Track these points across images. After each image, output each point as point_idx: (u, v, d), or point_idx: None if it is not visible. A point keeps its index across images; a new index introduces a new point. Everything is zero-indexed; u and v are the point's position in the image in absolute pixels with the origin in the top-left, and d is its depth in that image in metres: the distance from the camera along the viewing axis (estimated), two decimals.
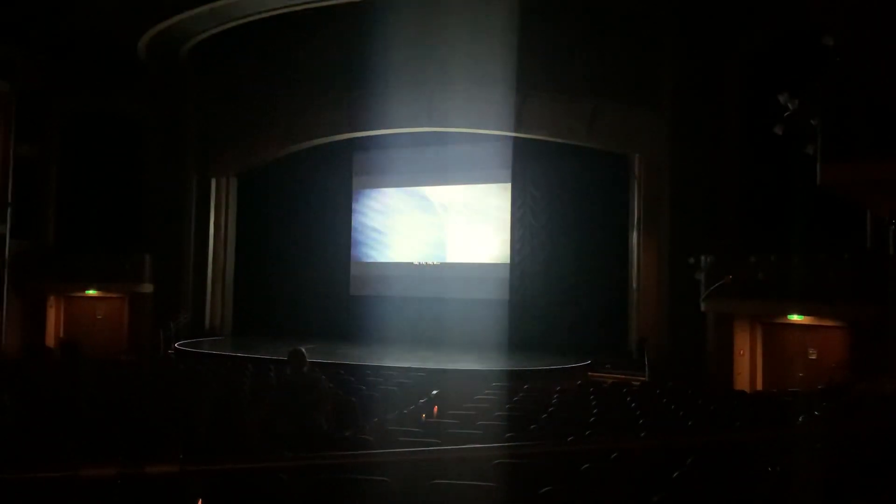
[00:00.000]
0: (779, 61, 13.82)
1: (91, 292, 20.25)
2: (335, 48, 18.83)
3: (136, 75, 19.70)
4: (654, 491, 4.08)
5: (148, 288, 19.71)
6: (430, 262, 20.12)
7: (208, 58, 20.01)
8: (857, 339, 12.35)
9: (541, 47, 16.95)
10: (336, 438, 6.00)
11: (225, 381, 10.10)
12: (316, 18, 18.32)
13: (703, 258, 13.95)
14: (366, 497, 4.07)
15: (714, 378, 13.39)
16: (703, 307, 13.87)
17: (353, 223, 21.10)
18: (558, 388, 10.70)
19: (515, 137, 18.10)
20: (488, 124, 17.92)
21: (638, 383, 12.19)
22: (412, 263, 20.29)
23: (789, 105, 9.25)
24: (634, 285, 17.07)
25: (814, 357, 13.08)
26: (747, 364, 13.80)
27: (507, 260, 19.16)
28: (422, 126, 18.62)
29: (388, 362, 14.46)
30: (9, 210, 18.24)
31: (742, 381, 13.57)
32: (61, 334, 20.08)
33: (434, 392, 9.81)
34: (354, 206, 21.13)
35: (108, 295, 20.30)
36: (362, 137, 19.76)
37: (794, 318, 13.29)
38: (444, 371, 13.61)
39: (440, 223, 20.18)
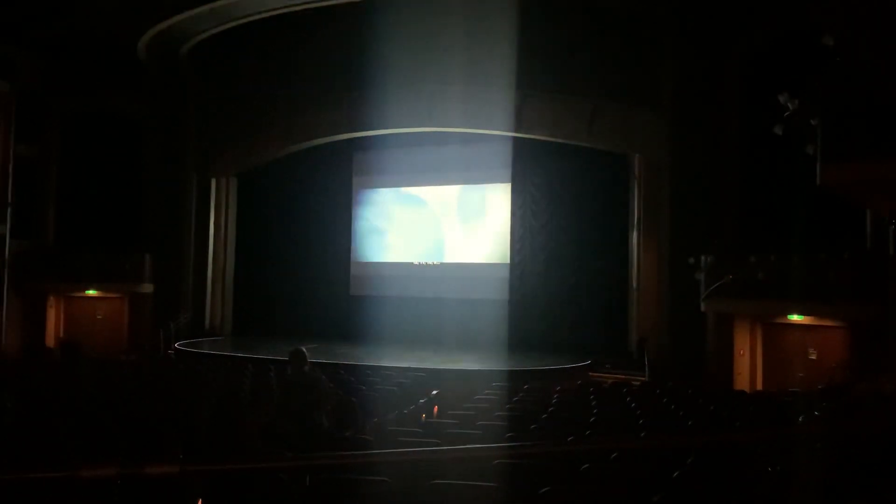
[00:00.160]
0: (779, 61, 13.82)
1: (91, 292, 20.25)
2: (335, 48, 18.82)
3: (136, 75, 19.70)
4: (654, 491, 4.08)
5: (148, 288, 19.71)
6: (429, 262, 20.13)
7: (208, 58, 20.01)
8: (857, 339, 12.36)
9: (541, 47, 16.94)
10: (336, 438, 6.00)
11: (225, 381, 10.10)
12: (316, 18, 18.31)
13: (703, 258, 13.95)
14: (366, 497, 4.08)
15: (714, 378, 13.39)
16: (703, 307, 13.88)
17: (353, 223, 21.10)
18: (558, 388, 10.70)
19: (515, 137, 18.09)
20: (488, 124, 17.92)
21: (638, 383, 12.19)
22: (412, 263, 20.29)
23: (789, 105, 9.25)
24: (634, 285, 17.07)
25: (814, 357, 13.08)
26: (747, 364, 13.80)
27: (507, 260, 19.16)
28: (422, 126, 18.62)
29: (388, 362, 14.45)
30: (9, 210, 18.25)
31: (742, 381, 13.57)
32: (61, 334, 20.08)
33: (434, 392, 9.82)
34: (354, 206, 21.13)
35: (108, 295, 20.30)
36: (362, 137, 19.75)
37: (794, 318, 13.29)
38: (444, 371, 13.61)
39: (440, 223, 20.18)
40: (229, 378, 10.41)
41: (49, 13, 17.66)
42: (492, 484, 4.05)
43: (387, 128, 18.96)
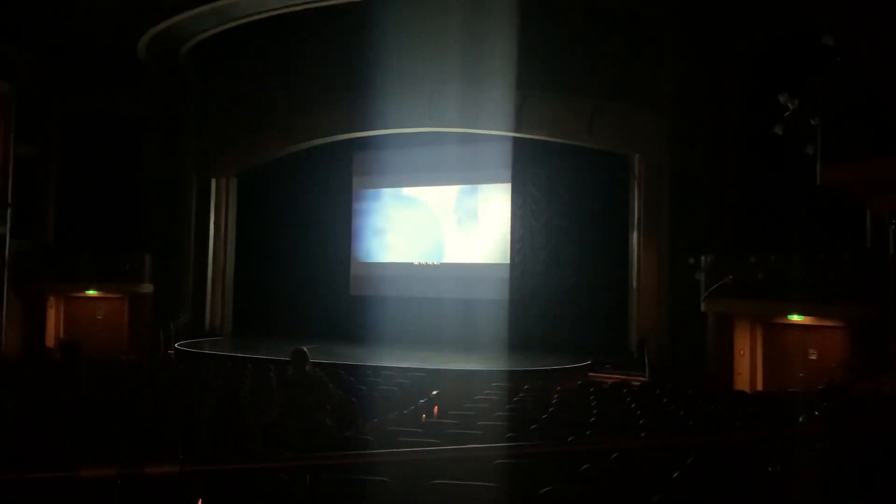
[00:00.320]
0: (779, 61, 13.82)
1: (91, 292, 20.25)
2: (335, 48, 18.82)
3: (136, 75, 19.71)
4: (654, 491, 4.08)
5: (148, 288, 19.72)
6: (430, 261, 20.13)
7: (208, 58, 20.01)
8: (857, 339, 12.35)
9: (541, 47, 16.95)
10: (336, 438, 6.01)
11: (225, 381, 10.10)
12: (316, 18, 18.32)
13: (703, 258, 13.95)
14: (366, 497, 4.08)
15: (714, 378, 13.38)
16: (703, 307, 13.87)
17: (353, 223, 21.09)
18: (558, 388, 10.71)
19: (515, 137, 18.09)
20: (488, 124, 17.91)
21: (638, 383, 12.18)
22: (412, 263, 20.29)
23: (789, 105, 9.25)
24: (634, 285, 17.07)
25: (814, 357, 13.07)
26: (747, 364, 13.80)
27: (507, 260, 19.16)
28: (422, 126, 18.61)
29: (388, 362, 14.45)
30: (9, 210, 18.25)
31: (742, 382, 13.57)
32: (61, 334, 20.08)
33: (434, 392, 9.82)
34: (354, 206, 21.13)
35: (108, 295, 20.30)
36: (362, 137, 19.74)
37: (795, 318, 13.29)
38: (444, 371, 13.61)
39: (440, 223, 20.18)
40: (229, 378, 10.42)
41: (49, 13, 17.66)
42: (492, 484, 4.05)
43: (387, 128, 18.96)
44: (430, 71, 17.87)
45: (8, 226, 18.34)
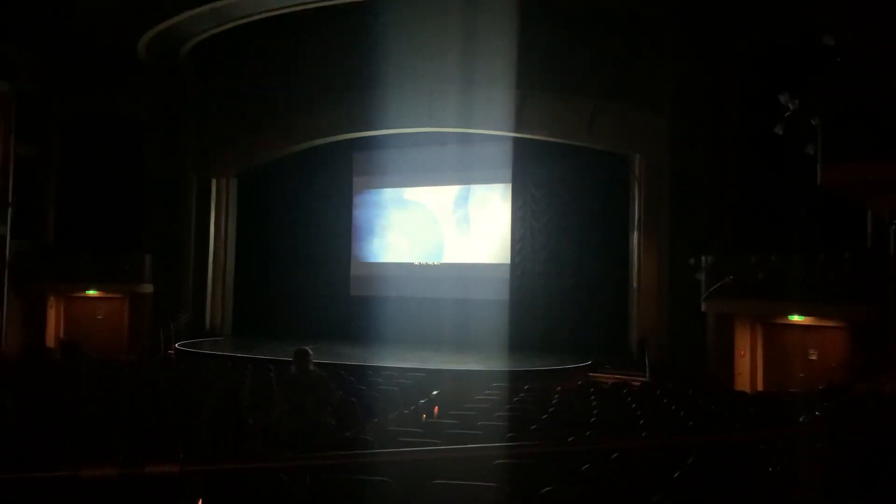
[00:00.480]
0: (779, 61, 13.81)
1: (91, 292, 20.25)
2: (335, 48, 18.83)
3: (136, 75, 19.70)
4: (654, 491, 4.08)
5: (148, 288, 19.71)
6: (430, 262, 20.13)
7: (208, 58, 20.01)
8: (857, 339, 12.35)
9: (540, 47, 16.96)
10: (337, 438, 6.01)
11: (225, 381, 10.10)
12: (316, 18, 18.32)
13: (703, 258, 13.95)
14: (366, 497, 4.07)
15: (714, 378, 13.39)
16: (703, 307, 13.88)
17: (353, 223, 21.10)
18: (559, 388, 10.71)
19: (515, 137, 18.10)
20: (488, 124, 17.92)
21: (638, 383, 12.19)
22: (412, 263, 20.29)
23: (789, 105, 9.24)
24: (634, 285, 17.08)
25: (814, 357, 13.07)
26: (748, 364, 13.80)
27: (507, 260, 19.16)
28: (422, 126, 18.63)
29: (389, 362, 14.46)
30: (9, 210, 18.26)
31: (742, 382, 13.57)
32: (61, 334, 20.08)
33: (434, 392, 9.82)
34: (354, 206, 21.13)
35: (108, 295, 20.30)
36: (362, 137, 19.76)
37: (795, 318, 13.29)
38: (445, 371, 13.61)
39: (440, 223, 20.18)
40: (229, 378, 10.42)
41: (49, 13, 17.66)
42: (492, 484, 4.05)
43: (387, 128, 18.96)
44: (429, 71, 17.88)
45: (8, 226, 18.35)
